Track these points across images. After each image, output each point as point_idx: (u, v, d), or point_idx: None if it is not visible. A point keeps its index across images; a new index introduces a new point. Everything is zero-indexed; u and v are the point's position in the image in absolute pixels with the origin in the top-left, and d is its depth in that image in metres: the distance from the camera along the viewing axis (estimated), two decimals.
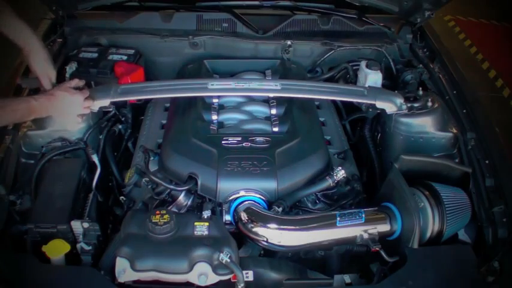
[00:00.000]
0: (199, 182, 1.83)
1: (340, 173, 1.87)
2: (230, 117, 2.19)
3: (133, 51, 2.49)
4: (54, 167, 1.91)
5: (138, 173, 1.91)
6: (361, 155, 2.39)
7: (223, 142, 1.95)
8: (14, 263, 1.59)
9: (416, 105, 2.16)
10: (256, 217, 1.73)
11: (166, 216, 1.59)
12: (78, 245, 1.69)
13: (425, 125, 2.13)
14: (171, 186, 1.86)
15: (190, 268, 1.55)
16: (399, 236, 1.77)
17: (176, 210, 1.88)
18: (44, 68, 2.02)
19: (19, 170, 1.96)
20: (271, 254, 1.83)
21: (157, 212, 1.60)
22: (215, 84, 2.14)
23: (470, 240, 1.89)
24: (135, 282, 1.58)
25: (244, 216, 1.74)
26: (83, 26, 2.69)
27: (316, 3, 2.82)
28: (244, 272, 1.60)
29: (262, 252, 1.87)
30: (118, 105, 2.23)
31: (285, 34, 2.73)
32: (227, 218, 1.82)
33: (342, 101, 2.51)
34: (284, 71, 2.47)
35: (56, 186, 1.82)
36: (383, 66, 2.53)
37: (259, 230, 1.71)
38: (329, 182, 1.86)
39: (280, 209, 1.77)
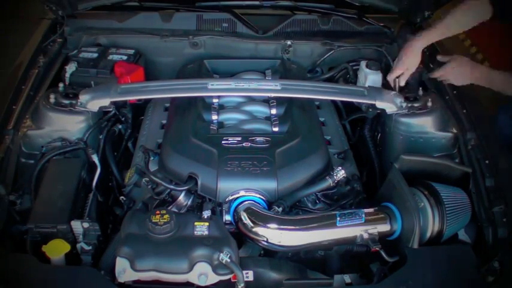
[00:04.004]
0: (199, 182, 1.83)
1: (340, 173, 1.87)
2: (230, 117, 2.19)
3: (133, 51, 2.49)
4: (54, 167, 1.91)
5: (138, 173, 1.90)
6: (361, 155, 2.39)
7: (223, 142, 1.95)
8: (14, 263, 1.59)
9: (416, 105, 2.16)
10: (256, 217, 1.73)
11: (166, 216, 1.59)
12: (78, 245, 1.68)
13: (425, 125, 2.13)
14: (171, 186, 1.86)
15: (190, 268, 1.55)
16: (399, 236, 1.77)
17: (176, 210, 1.88)
18: None
19: (19, 170, 1.96)
20: (271, 254, 1.83)
21: (157, 212, 1.60)
22: (215, 84, 2.14)
23: (470, 240, 1.89)
24: (135, 282, 1.57)
25: (244, 216, 1.74)
26: (83, 26, 2.69)
27: (316, 3, 2.82)
28: (244, 272, 1.60)
29: (262, 252, 1.87)
30: (118, 105, 2.23)
31: (285, 34, 2.73)
32: (227, 218, 1.82)
33: (342, 101, 2.51)
34: (284, 71, 2.47)
35: (56, 186, 1.82)
36: (383, 66, 2.53)
37: (259, 230, 1.71)
38: (329, 182, 1.86)
39: (280, 209, 1.77)
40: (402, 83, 2.23)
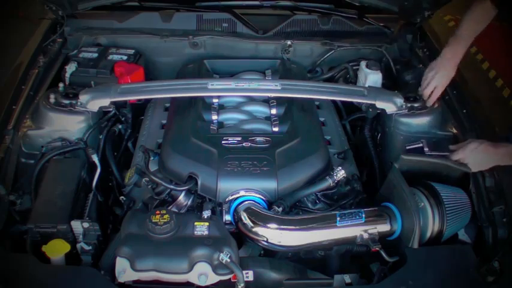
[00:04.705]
0: (199, 182, 1.83)
1: (340, 173, 1.87)
2: (230, 117, 2.19)
3: (133, 51, 2.50)
4: (54, 167, 1.91)
5: (138, 173, 1.90)
6: (361, 155, 2.40)
7: (223, 142, 1.95)
8: (14, 263, 1.59)
9: (416, 105, 2.16)
10: (256, 217, 1.73)
11: (166, 216, 1.59)
12: (78, 245, 1.68)
13: (425, 125, 2.13)
14: (171, 186, 1.86)
15: (190, 268, 1.55)
16: (399, 236, 1.77)
17: (176, 210, 1.88)
18: None
19: (19, 170, 1.96)
20: (271, 254, 1.83)
21: (157, 212, 1.61)
22: (215, 84, 2.14)
23: (470, 240, 1.89)
24: (135, 282, 1.58)
25: (244, 216, 1.74)
26: (83, 26, 2.69)
27: (316, 3, 2.82)
28: (244, 272, 1.60)
29: (262, 252, 1.87)
30: (118, 105, 2.23)
31: (285, 34, 2.74)
32: (227, 218, 1.82)
33: (342, 101, 2.51)
34: (284, 71, 2.47)
35: (56, 186, 1.82)
36: (383, 66, 2.53)
37: (259, 230, 1.71)
38: (329, 182, 1.86)
39: (280, 209, 1.77)
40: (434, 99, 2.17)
